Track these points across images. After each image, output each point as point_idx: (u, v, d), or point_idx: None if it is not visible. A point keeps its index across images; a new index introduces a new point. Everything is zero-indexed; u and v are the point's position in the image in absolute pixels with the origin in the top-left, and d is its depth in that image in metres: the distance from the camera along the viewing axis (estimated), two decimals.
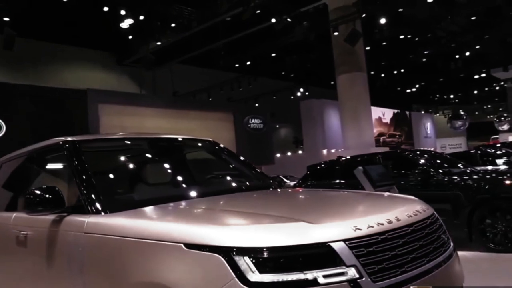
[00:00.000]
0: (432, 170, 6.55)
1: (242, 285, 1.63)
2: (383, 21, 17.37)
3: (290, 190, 3.45)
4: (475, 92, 34.01)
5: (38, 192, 2.52)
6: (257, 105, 26.76)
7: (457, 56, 23.48)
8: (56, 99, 15.65)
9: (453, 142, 35.25)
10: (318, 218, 1.86)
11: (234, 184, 3.40)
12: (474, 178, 6.16)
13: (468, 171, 6.77)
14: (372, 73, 22.93)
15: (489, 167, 9.37)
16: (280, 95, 26.91)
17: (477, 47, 22.32)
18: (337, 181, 8.09)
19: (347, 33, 15.35)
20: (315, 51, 21.38)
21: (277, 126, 31.41)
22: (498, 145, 14.66)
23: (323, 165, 9.26)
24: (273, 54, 23.07)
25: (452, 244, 2.37)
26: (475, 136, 36.96)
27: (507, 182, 5.82)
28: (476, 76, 29.13)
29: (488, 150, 11.12)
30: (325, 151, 24.26)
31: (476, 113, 37.99)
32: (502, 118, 32.28)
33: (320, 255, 1.70)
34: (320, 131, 24.95)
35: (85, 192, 2.55)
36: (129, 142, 3.49)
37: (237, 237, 1.72)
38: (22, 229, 2.93)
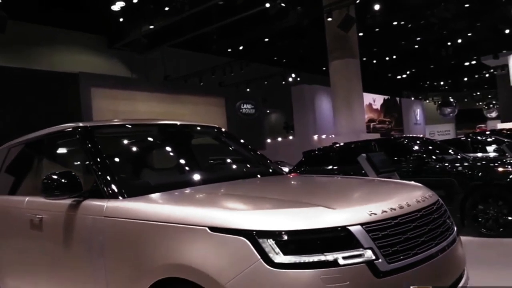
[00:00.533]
0: (426, 157, 6.71)
1: (267, 266, 1.73)
2: (377, 7, 17.39)
3: (298, 176, 3.55)
4: (465, 79, 34.28)
5: (55, 177, 2.57)
6: (248, 90, 26.77)
7: (449, 43, 23.60)
8: (48, 82, 15.54)
9: (442, 129, 35.60)
10: (335, 204, 1.96)
11: (244, 170, 3.50)
12: (468, 165, 6.32)
13: (460, 158, 6.93)
14: (364, 59, 22.99)
15: (479, 154, 9.58)
16: (271, 81, 26.89)
17: (469, 34, 22.46)
18: (330, 167, 8.20)
19: (340, 19, 15.36)
20: (307, 36, 21.34)
21: (268, 111, 31.44)
22: (488, 132, 14.91)
23: (317, 152, 9.36)
24: (266, 39, 22.97)
25: (455, 228, 2.49)
26: (463, 123, 37.39)
27: (500, 169, 6.00)
28: (467, 63, 29.34)
29: (479, 137, 11.32)
30: (315, 137, 24.38)
31: (465, 100, 38.34)
32: (491, 106, 32.68)
33: (339, 238, 1.80)
34: (311, 116, 25.02)
35: (102, 177, 2.61)
36: (140, 128, 3.55)
37: (262, 221, 1.82)
38: (36, 212, 2.99)
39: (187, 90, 21.65)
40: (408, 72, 32.40)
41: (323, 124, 24.64)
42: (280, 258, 1.74)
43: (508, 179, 5.74)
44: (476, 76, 33.15)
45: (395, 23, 21.03)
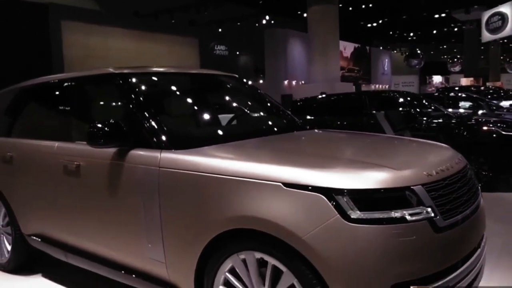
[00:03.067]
0: (415, 112, 6.98)
1: (345, 221, 1.87)
2: None
3: (333, 132, 3.58)
4: (434, 32, 34.64)
5: (100, 125, 2.55)
6: (220, 30, 26.11)
7: None
8: (13, 12, 14.61)
9: (407, 80, 36.42)
10: (396, 165, 2.11)
11: (282, 124, 3.53)
12: (454, 123, 6.65)
13: (444, 114, 7.25)
14: (340, 5, 22.71)
15: (450, 110, 10.01)
16: (244, 23, 26.27)
17: None
18: (309, 117, 8.33)
19: None
20: None
21: (238, 53, 30.88)
22: (456, 88, 15.57)
23: (301, 102, 9.37)
24: None
25: (480, 189, 2.73)
26: (428, 75, 38.25)
27: (484, 128, 6.36)
28: (437, 16, 29.55)
29: (452, 94, 11.79)
30: (286, 82, 24.40)
31: (432, 52, 38.95)
32: (455, 60, 33.43)
33: (405, 196, 1.96)
34: (282, 61, 24.84)
35: (150, 127, 2.59)
36: (177, 77, 3.46)
37: (338, 180, 1.95)
38: (72, 159, 2.98)
39: (161, 28, 20.92)
40: (380, 21, 32.33)
41: (294, 70, 24.62)
42: (356, 214, 1.88)
43: (491, 138, 6.12)
44: (445, 29, 33.56)
45: None
